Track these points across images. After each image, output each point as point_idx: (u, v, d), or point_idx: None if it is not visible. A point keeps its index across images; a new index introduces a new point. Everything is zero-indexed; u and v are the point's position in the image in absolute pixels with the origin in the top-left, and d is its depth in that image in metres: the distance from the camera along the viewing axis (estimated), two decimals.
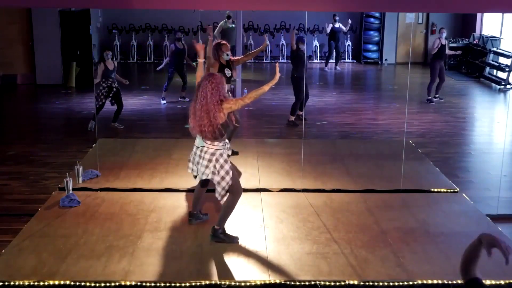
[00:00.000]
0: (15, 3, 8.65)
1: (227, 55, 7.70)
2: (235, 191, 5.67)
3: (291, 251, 5.63)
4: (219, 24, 15.16)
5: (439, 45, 12.68)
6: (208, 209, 6.49)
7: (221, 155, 5.54)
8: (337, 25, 17.24)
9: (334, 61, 17.77)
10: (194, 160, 5.70)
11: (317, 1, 6.76)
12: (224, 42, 7.88)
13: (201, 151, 5.58)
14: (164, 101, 12.53)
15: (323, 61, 18.77)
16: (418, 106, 12.62)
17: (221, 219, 5.77)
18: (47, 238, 5.84)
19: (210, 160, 5.51)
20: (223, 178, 5.50)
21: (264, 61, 18.61)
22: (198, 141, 5.68)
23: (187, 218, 6.32)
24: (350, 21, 17.41)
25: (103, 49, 10.29)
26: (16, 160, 8.71)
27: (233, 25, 14.59)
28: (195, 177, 5.83)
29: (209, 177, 5.54)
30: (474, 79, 16.05)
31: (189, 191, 7.12)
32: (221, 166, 5.50)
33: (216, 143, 5.53)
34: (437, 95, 13.15)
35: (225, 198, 5.66)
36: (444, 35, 12.83)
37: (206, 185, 6.01)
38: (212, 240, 5.76)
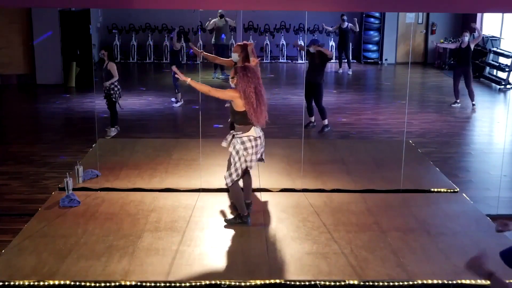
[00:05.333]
0: (15, 3, 8.64)
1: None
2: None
3: (291, 251, 5.63)
4: (212, 21, 15.47)
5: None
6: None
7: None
8: (345, 25, 16.79)
9: (339, 62, 17.52)
10: (258, 150, 6.01)
11: (317, 1, 6.76)
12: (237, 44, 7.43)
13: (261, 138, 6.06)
14: (178, 104, 12.48)
15: None
16: (418, 106, 12.62)
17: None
18: (47, 238, 5.84)
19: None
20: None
21: (264, 61, 18.61)
22: (257, 131, 6.01)
23: (187, 218, 6.34)
24: (355, 19, 16.71)
25: (110, 49, 10.09)
26: (16, 160, 8.71)
27: (224, 23, 15.52)
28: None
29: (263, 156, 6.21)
30: (474, 79, 16.00)
31: (189, 191, 7.13)
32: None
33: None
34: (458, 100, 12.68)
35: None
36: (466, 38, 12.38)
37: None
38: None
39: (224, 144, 6.12)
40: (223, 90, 6.08)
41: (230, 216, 6.32)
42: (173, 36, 12.75)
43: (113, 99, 9.78)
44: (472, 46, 12.27)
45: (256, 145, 5.93)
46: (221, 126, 9.84)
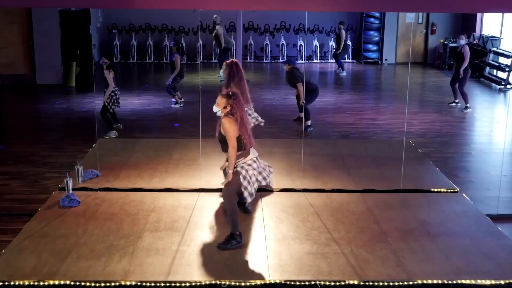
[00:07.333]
0: (15, 3, 8.65)
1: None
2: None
3: (291, 251, 5.63)
4: (219, 29, 15.40)
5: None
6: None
7: None
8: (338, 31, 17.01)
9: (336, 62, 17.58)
10: (260, 170, 5.80)
11: (317, 1, 6.77)
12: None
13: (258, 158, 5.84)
14: (177, 105, 12.43)
15: (323, 61, 18.78)
16: (418, 106, 12.62)
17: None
18: (47, 238, 5.84)
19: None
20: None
21: (264, 61, 18.62)
22: (254, 153, 5.79)
23: (187, 218, 6.34)
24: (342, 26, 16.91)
25: (108, 54, 10.05)
26: (16, 160, 8.71)
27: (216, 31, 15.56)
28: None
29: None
30: (474, 79, 16.03)
31: (189, 191, 7.13)
32: None
33: None
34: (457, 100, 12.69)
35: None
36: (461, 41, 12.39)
37: None
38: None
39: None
40: (229, 132, 5.60)
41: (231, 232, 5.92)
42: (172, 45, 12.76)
43: (108, 108, 9.81)
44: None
45: (257, 160, 5.80)
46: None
